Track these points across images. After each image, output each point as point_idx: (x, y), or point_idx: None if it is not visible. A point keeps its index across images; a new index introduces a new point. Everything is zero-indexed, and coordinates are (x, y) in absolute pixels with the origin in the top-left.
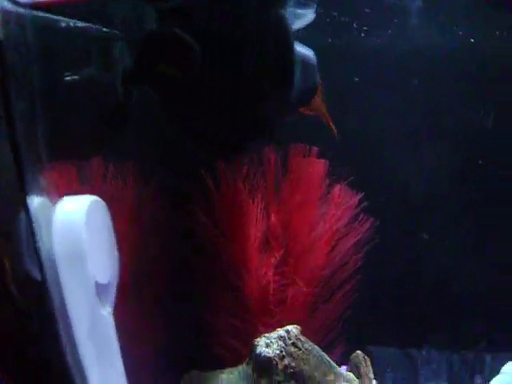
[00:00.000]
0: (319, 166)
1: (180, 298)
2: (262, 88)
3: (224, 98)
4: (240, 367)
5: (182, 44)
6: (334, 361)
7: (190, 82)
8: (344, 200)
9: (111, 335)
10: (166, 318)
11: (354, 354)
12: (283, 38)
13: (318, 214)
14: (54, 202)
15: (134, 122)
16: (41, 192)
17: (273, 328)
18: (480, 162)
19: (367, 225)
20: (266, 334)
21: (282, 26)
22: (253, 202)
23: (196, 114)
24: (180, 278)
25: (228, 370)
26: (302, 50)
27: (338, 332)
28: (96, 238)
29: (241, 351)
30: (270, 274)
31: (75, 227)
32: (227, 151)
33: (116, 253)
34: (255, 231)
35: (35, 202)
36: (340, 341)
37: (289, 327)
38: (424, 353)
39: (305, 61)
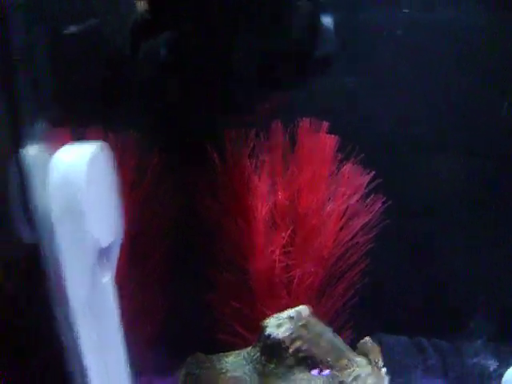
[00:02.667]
0: (329, 142)
1: (182, 279)
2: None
3: (237, 54)
4: (246, 350)
5: None
6: None
7: (202, 34)
8: (354, 178)
9: (111, 305)
10: (167, 300)
11: (362, 341)
12: None
13: (327, 193)
14: (52, 153)
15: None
16: (37, 141)
17: (279, 311)
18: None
19: (378, 205)
20: (276, 315)
21: None
22: (259, 179)
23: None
24: (182, 259)
25: (234, 353)
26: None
27: (345, 317)
28: (99, 194)
29: (245, 336)
30: (277, 254)
31: (74, 179)
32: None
33: (119, 212)
34: (261, 209)
35: (30, 152)
36: (348, 327)
37: (299, 307)
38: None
39: (324, 27)
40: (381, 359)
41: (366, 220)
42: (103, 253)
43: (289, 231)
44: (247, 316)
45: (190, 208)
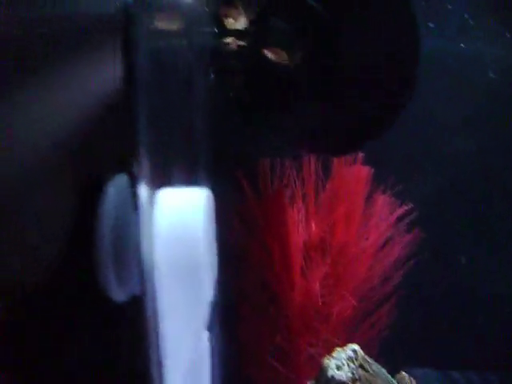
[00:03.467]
0: (364, 174)
1: (216, 312)
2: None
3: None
4: None
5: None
6: None
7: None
8: (390, 211)
9: (207, 364)
10: None
11: (398, 376)
12: (413, 22)
13: (361, 226)
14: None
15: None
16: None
17: (316, 347)
18: None
19: (412, 238)
20: (334, 355)
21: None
22: (292, 209)
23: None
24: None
25: None
26: None
27: (377, 352)
28: (207, 244)
29: (281, 371)
30: (317, 287)
31: (193, 229)
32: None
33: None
34: (297, 240)
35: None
36: (379, 361)
37: (354, 346)
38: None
39: None
40: None
41: (401, 253)
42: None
43: (327, 264)
44: (285, 351)
45: (223, 240)
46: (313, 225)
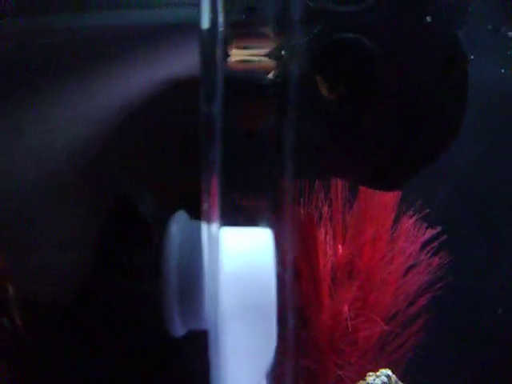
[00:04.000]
0: (392, 196)
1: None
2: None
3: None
4: None
5: (364, 52)
6: None
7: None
8: (417, 234)
9: None
10: None
11: None
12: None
13: (389, 248)
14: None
15: None
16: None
17: (344, 369)
18: None
19: (439, 262)
20: (369, 381)
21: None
22: (319, 231)
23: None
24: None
25: None
26: None
27: (401, 376)
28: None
29: None
30: (346, 309)
31: (263, 271)
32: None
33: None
34: (325, 263)
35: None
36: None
37: (388, 372)
38: None
39: None
40: None
41: (430, 277)
42: None
43: (355, 286)
44: (313, 373)
45: None
46: (340, 247)
